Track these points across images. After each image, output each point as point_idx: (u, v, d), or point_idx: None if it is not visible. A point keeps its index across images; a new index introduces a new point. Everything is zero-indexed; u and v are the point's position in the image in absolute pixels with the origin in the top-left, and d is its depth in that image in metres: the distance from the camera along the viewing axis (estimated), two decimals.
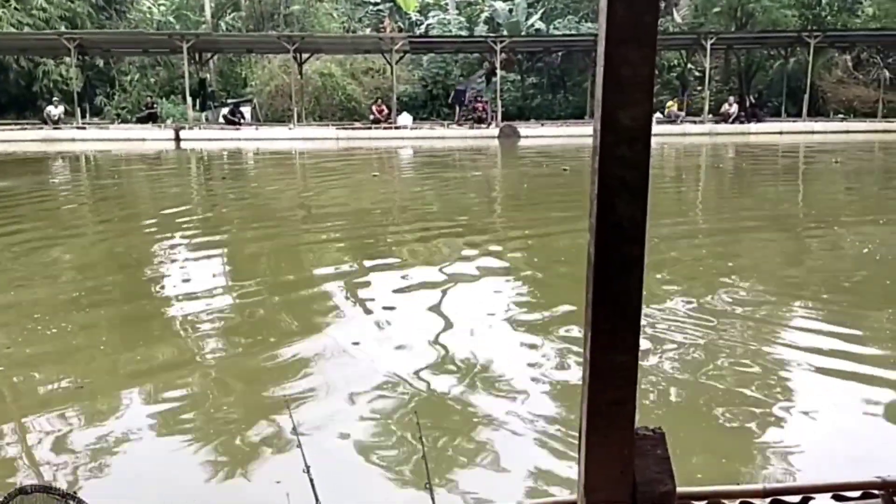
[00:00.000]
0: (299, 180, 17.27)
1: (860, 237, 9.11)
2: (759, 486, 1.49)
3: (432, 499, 1.90)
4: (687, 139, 26.23)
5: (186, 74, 27.83)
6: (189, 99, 27.93)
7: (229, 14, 34.14)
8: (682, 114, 28.55)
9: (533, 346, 5.20)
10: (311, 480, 1.85)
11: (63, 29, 28.79)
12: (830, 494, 1.46)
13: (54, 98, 28.24)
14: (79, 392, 4.38)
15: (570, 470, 3.39)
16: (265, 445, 3.69)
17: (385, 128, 27.52)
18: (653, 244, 7.85)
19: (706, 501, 1.43)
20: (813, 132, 27.15)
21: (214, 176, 18.24)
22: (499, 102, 28.80)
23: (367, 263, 7.90)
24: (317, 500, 1.81)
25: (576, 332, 5.31)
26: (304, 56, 29.07)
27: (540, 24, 32.63)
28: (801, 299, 6.45)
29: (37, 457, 3.60)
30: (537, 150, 23.11)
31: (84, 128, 27.22)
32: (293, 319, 5.90)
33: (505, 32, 31.03)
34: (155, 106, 28.67)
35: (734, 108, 28.59)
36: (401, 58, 29.70)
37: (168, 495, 3.32)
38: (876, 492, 1.45)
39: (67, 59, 28.64)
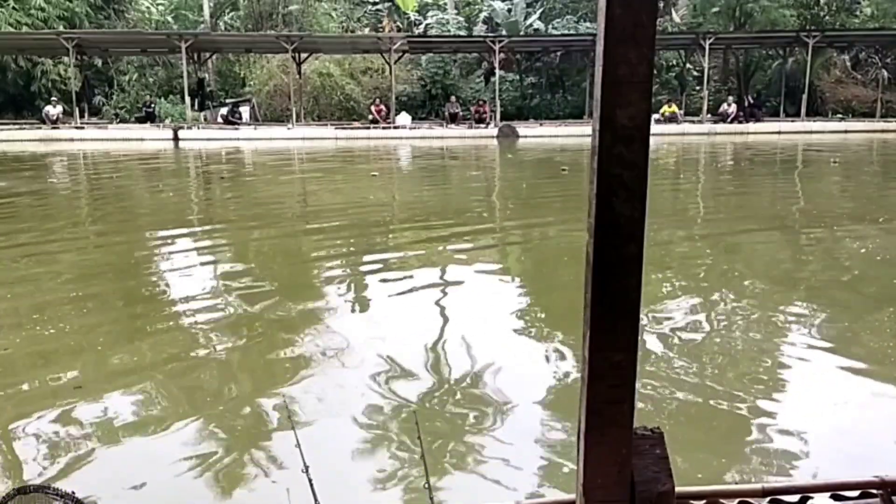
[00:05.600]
0: (298, 180, 17.26)
1: (859, 237, 9.12)
2: (757, 486, 1.49)
3: (430, 498, 1.90)
4: (686, 139, 26.25)
5: (185, 74, 27.81)
6: (187, 99, 27.92)
7: (228, 14, 34.13)
8: (681, 113, 28.57)
9: (531, 345, 5.20)
10: (310, 480, 1.85)
11: (61, 28, 28.76)
12: (829, 494, 1.46)
13: (52, 98, 28.22)
14: (77, 392, 4.38)
15: (569, 469, 3.39)
16: (263, 445, 3.69)
17: (384, 127, 27.52)
18: (651, 243, 7.85)
19: (705, 501, 1.43)
20: (811, 132, 27.18)
21: (212, 176, 18.23)
22: (497, 102, 28.82)
23: (366, 262, 7.89)
24: (315, 500, 1.81)
25: (574, 330, 5.31)
26: (303, 56, 29.06)
27: (538, 24, 32.64)
28: (800, 299, 6.46)
29: (35, 457, 3.60)
30: (536, 150, 23.12)
31: (82, 128, 27.20)
32: (290, 318, 5.89)
33: (503, 32, 31.04)
34: (153, 106, 28.66)
35: (733, 108, 28.62)
36: (399, 57, 29.70)
37: (166, 495, 3.32)
38: (874, 491, 1.45)
39: (66, 59, 28.63)
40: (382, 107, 28.29)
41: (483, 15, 34.24)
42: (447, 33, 32.68)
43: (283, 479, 3.29)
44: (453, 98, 29.25)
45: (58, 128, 26.65)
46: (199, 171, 19.69)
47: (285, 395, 4.25)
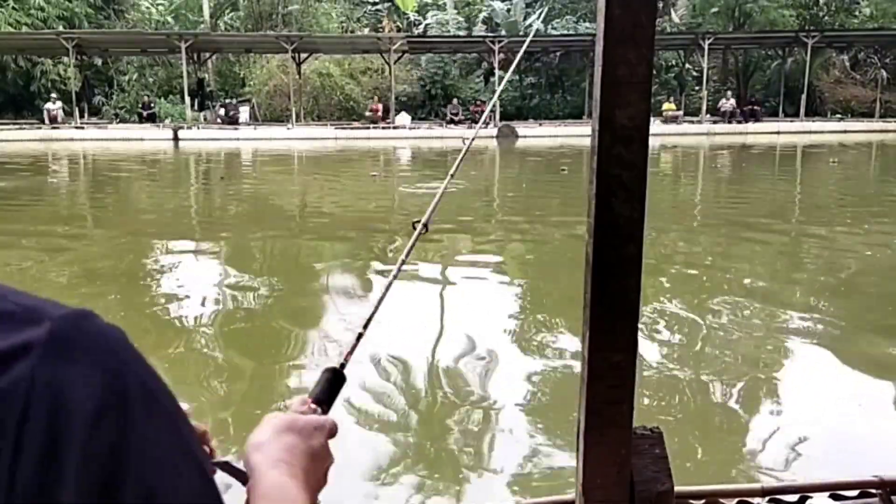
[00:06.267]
0: (297, 181, 17.26)
1: (859, 237, 9.13)
2: (757, 486, 1.49)
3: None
4: (685, 139, 26.26)
5: (185, 74, 27.81)
6: (187, 99, 27.92)
7: (227, 14, 34.11)
8: (680, 113, 28.61)
9: (531, 345, 5.20)
10: None
11: (61, 28, 28.75)
12: (828, 493, 1.46)
13: (52, 95, 28.21)
14: None
15: (569, 468, 3.39)
16: None
17: (383, 127, 27.52)
18: (649, 243, 7.86)
19: (704, 501, 1.43)
20: (810, 132, 27.19)
21: (212, 176, 18.23)
22: (497, 102, 28.81)
23: (366, 263, 7.90)
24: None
25: (574, 330, 5.31)
26: (303, 56, 29.06)
27: (538, 24, 32.65)
28: (799, 300, 6.46)
29: None
30: (535, 150, 23.13)
31: (83, 127, 27.20)
32: (289, 319, 5.89)
33: (503, 32, 31.05)
34: (153, 105, 28.67)
35: (731, 102, 28.82)
36: (399, 58, 29.70)
37: None
38: (873, 490, 1.45)
39: (65, 59, 28.62)
40: (378, 105, 28.24)
41: (483, 15, 34.25)
42: (447, 33, 32.69)
43: None
44: (455, 101, 29.24)
45: (58, 128, 26.64)
46: (199, 171, 19.69)
47: (283, 393, 4.25)
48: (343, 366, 0.80)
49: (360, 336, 0.92)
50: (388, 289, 1.04)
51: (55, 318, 0.33)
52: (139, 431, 0.32)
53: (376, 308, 1.01)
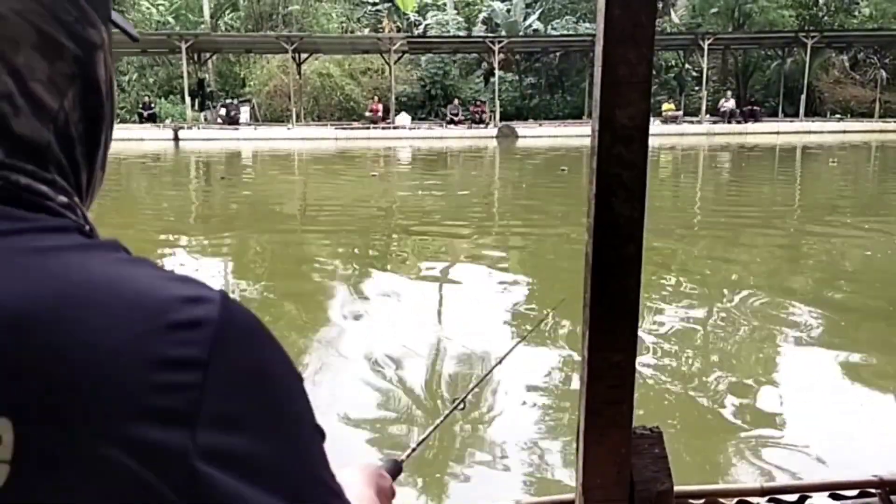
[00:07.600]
0: (298, 181, 17.26)
1: (858, 238, 9.13)
2: (756, 485, 1.49)
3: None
4: (685, 139, 26.26)
5: (185, 74, 27.81)
6: (188, 99, 27.91)
7: (228, 14, 34.11)
8: (680, 113, 28.62)
9: (531, 345, 5.19)
10: None
11: None
12: (827, 493, 1.46)
13: None
14: None
15: (568, 468, 3.39)
16: None
17: (383, 128, 27.51)
18: (650, 243, 7.87)
19: (704, 500, 1.43)
20: (810, 132, 27.19)
21: (213, 177, 18.22)
22: (497, 102, 28.82)
23: (366, 264, 7.90)
24: None
25: (574, 330, 5.31)
26: (303, 56, 29.06)
27: (538, 25, 32.65)
28: (799, 301, 6.46)
29: None
30: (535, 150, 23.13)
31: None
32: (290, 319, 5.90)
33: (503, 32, 31.04)
34: (153, 106, 28.66)
35: (731, 102, 28.84)
36: (399, 58, 29.69)
37: None
38: (873, 490, 1.46)
39: None
40: (380, 106, 28.22)
41: (482, 15, 34.24)
42: (447, 34, 32.68)
43: None
44: (455, 101, 29.23)
45: None
46: (199, 172, 19.68)
47: None
48: (403, 461, 1.01)
49: (415, 447, 1.10)
50: (435, 427, 1.24)
51: (216, 288, 0.45)
52: (276, 348, 0.45)
53: (430, 433, 1.22)
